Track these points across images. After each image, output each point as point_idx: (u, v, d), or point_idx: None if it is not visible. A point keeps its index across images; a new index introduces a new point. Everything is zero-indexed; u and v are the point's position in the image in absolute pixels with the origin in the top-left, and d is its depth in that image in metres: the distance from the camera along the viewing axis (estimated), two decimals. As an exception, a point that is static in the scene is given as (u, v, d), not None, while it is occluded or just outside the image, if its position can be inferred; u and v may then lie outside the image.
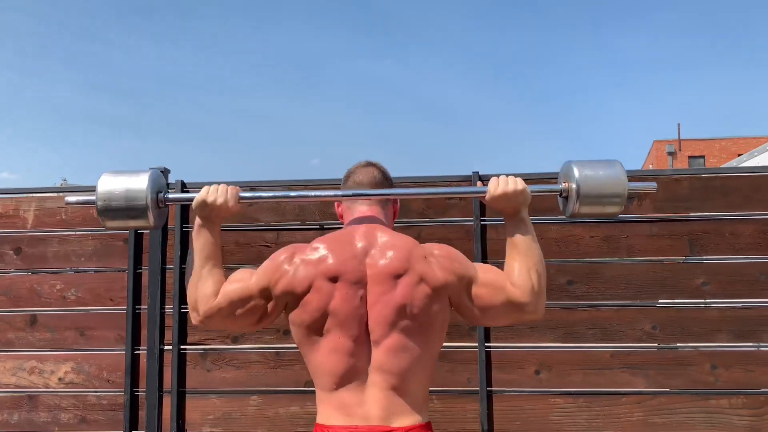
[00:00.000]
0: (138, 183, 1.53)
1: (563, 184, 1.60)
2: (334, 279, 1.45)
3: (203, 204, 1.53)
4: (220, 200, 1.53)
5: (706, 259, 2.64)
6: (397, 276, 1.45)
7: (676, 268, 2.65)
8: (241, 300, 1.49)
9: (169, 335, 2.78)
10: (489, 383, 2.65)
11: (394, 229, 1.62)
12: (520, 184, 1.52)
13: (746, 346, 2.58)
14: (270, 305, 1.50)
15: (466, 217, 2.73)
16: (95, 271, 2.90)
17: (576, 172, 1.55)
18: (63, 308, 2.85)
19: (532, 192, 1.54)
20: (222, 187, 1.55)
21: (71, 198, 1.59)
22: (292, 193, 1.67)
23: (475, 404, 2.64)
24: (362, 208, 1.61)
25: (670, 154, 26.40)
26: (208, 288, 1.51)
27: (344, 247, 1.49)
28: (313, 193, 1.62)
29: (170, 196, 1.60)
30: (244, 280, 1.51)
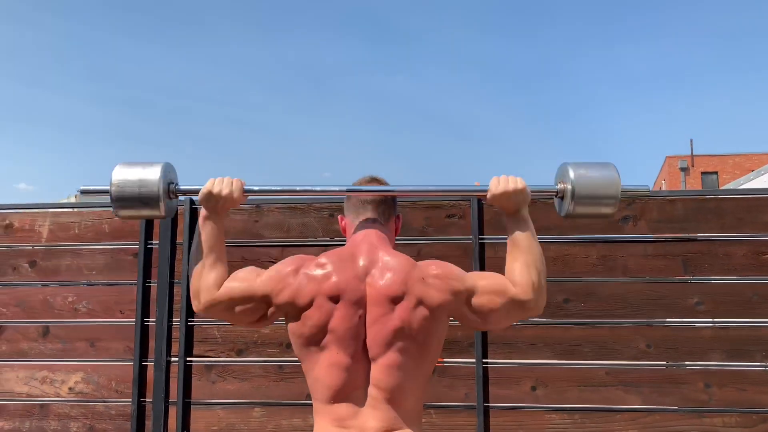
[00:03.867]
0: (151, 173, 1.59)
1: (559, 185, 1.63)
2: (335, 299, 1.50)
3: (209, 195, 1.58)
4: (225, 191, 1.57)
5: (700, 280, 2.69)
6: (396, 299, 1.49)
7: (670, 287, 2.70)
8: (242, 299, 1.54)
9: (176, 347, 2.87)
10: (486, 398, 2.70)
11: (396, 246, 1.67)
12: (520, 183, 1.56)
13: (740, 365, 2.62)
14: (270, 310, 1.56)
15: (465, 236, 2.80)
16: (106, 284, 3.00)
17: (571, 173, 1.59)
18: (74, 320, 2.95)
19: (531, 191, 1.59)
20: (227, 179, 1.60)
21: (86, 187, 1.65)
22: (297, 187, 1.70)
23: (472, 419, 2.69)
24: (365, 225, 1.64)
25: (683, 170, 26.25)
26: (211, 279, 1.55)
27: (347, 265, 1.53)
28: (318, 187, 1.68)
29: (181, 187, 1.66)
30: (248, 280, 1.55)
